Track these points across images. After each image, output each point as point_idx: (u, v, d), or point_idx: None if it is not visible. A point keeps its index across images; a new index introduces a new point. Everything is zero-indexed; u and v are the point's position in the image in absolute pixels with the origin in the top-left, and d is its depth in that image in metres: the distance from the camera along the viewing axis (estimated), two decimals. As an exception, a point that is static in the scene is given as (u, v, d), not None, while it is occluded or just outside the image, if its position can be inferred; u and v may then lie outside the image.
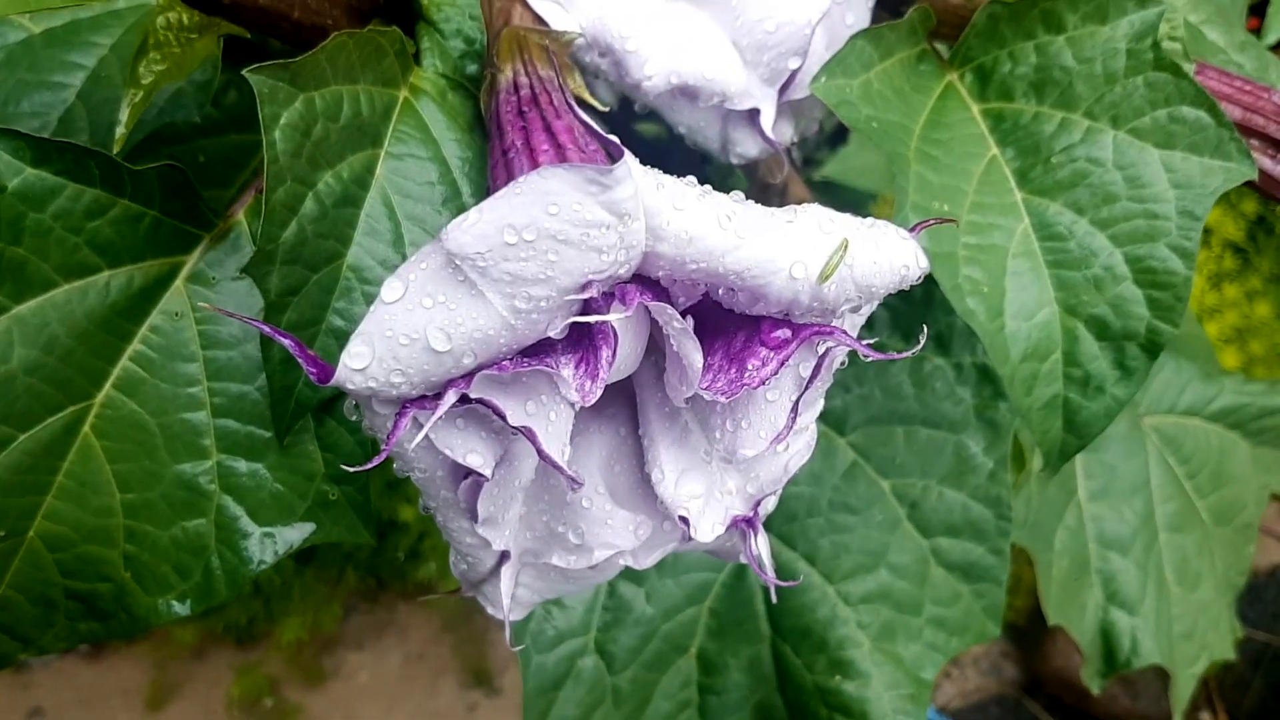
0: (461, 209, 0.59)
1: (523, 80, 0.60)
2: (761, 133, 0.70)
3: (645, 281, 0.45)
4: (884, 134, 0.64)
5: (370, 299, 0.56)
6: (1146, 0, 0.64)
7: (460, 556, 0.52)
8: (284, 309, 0.54)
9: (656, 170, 0.43)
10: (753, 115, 0.70)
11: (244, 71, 0.50)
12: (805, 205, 0.46)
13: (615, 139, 0.51)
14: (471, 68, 0.63)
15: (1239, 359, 2.25)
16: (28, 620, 0.58)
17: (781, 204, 0.91)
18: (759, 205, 0.45)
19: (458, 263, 0.41)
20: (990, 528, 0.79)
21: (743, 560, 0.53)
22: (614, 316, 0.40)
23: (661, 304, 0.43)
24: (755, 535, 0.51)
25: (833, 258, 0.45)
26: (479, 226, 0.41)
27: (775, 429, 0.48)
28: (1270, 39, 1.18)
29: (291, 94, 0.52)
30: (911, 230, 0.49)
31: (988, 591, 0.79)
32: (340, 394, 0.54)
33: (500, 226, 0.40)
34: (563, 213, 0.40)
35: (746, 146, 0.72)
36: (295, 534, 0.58)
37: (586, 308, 0.43)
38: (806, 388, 0.48)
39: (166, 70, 0.57)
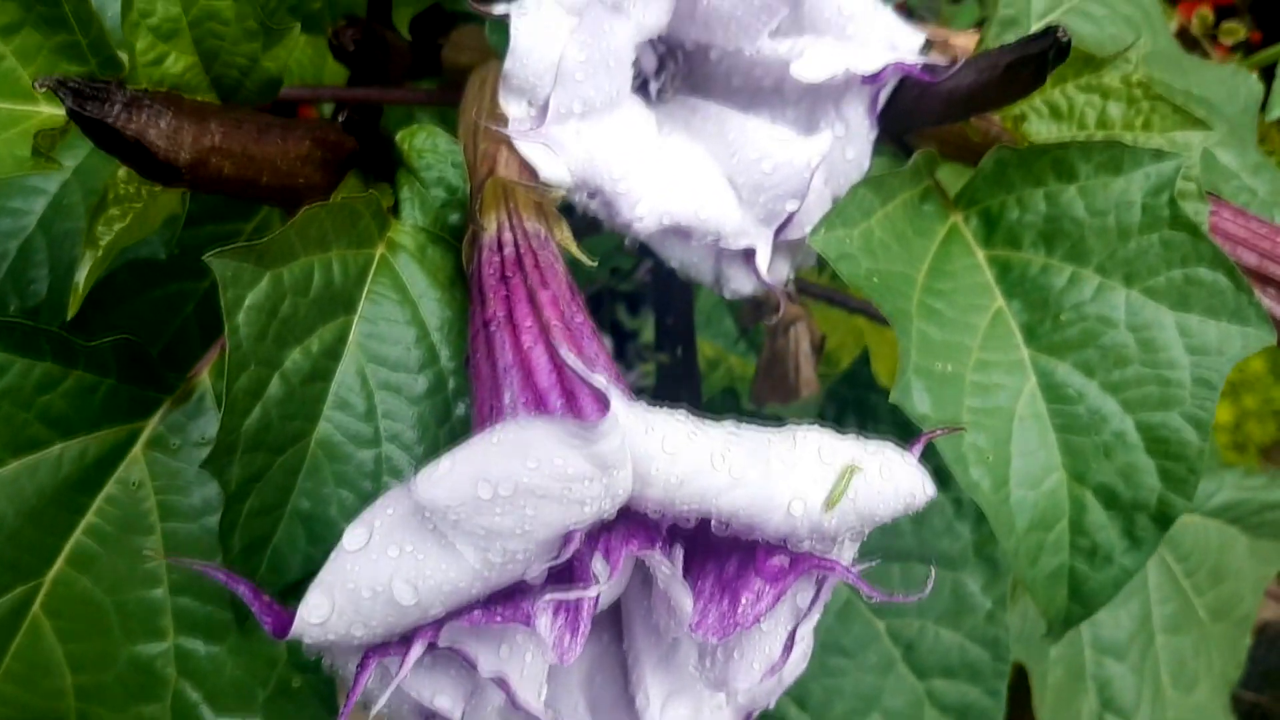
0: (440, 376, 0.56)
1: (507, 237, 0.57)
2: (757, 272, 0.67)
3: (631, 518, 0.41)
4: (885, 289, 0.61)
5: (340, 477, 0.53)
6: (1163, 153, 0.61)
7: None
8: (245, 496, 0.50)
9: (643, 405, 0.40)
10: (748, 254, 0.67)
11: (205, 258, 0.46)
12: (804, 430, 0.43)
13: (603, 345, 0.47)
14: (454, 217, 0.60)
15: (1232, 413, 2.23)
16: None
17: (777, 324, 0.88)
18: (755, 433, 0.42)
19: (427, 514, 0.38)
20: (987, 669, 0.76)
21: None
22: (593, 591, 0.37)
23: (650, 551, 0.40)
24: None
25: (834, 490, 0.42)
26: (450, 479, 0.37)
27: (769, 660, 0.45)
28: (1272, 116, 1.16)
29: (257, 274, 0.49)
30: (916, 443, 0.46)
31: (983, 733, 0.76)
32: (306, 578, 0.51)
33: (474, 479, 0.37)
34: (543, 467, 0.37)
35: (741, 284, 0.69)
36: (256, 722, 0.55)
37: (567, 544, 0.40)
38: (803, 618, 0.45)
39: (128, 228, 0.53)
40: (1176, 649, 1.15)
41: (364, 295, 0.55)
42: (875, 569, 0.77)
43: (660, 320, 0.94)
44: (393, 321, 0.55)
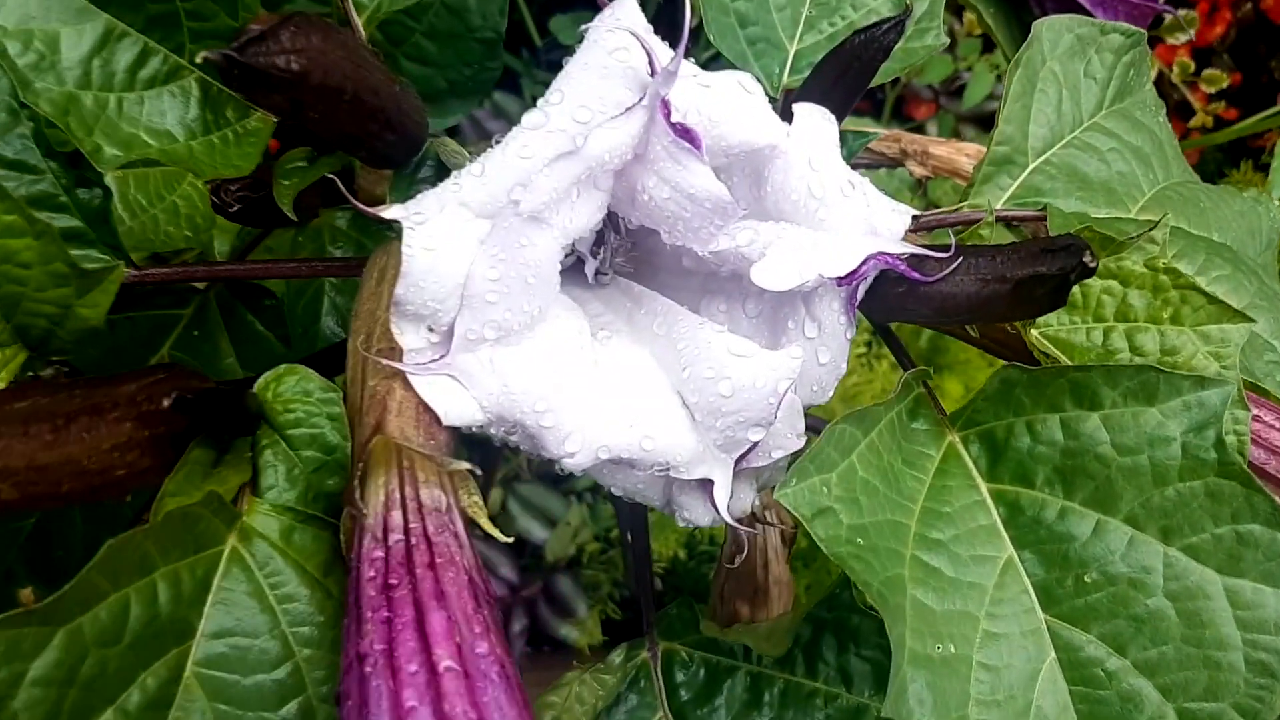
0: (309, 713, 0.44)
1: (395, 520, 0.45)
2: (714, 505, 0.55)
3: None
4: (872, 554, 0.50)
5: None
6: (1206, 380, 0.50)
7: None
8: None
9: None
10: (704, 484, 0.56)
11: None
12: None
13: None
14: (332, 481, 0.48)
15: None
16: None
17: (755, 593, 0.76)
18: None
19: None
20: None
21: None
22: None
23: None
24: None
25: None
26: None
27: None
28: (1277, 194, 1.05)
29: (42, 637, 0.36)
30: None
31: None
32: None
33: None
34: None
35: (696, 514, 0.57)
36: None
37: None
38: None
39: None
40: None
41: (207, 611, 0.43)
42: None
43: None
44: (246, 637, 0.43)
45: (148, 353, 0.85)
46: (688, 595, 0.68)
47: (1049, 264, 0.48)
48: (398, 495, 0.46)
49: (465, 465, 0.46)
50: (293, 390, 0.47)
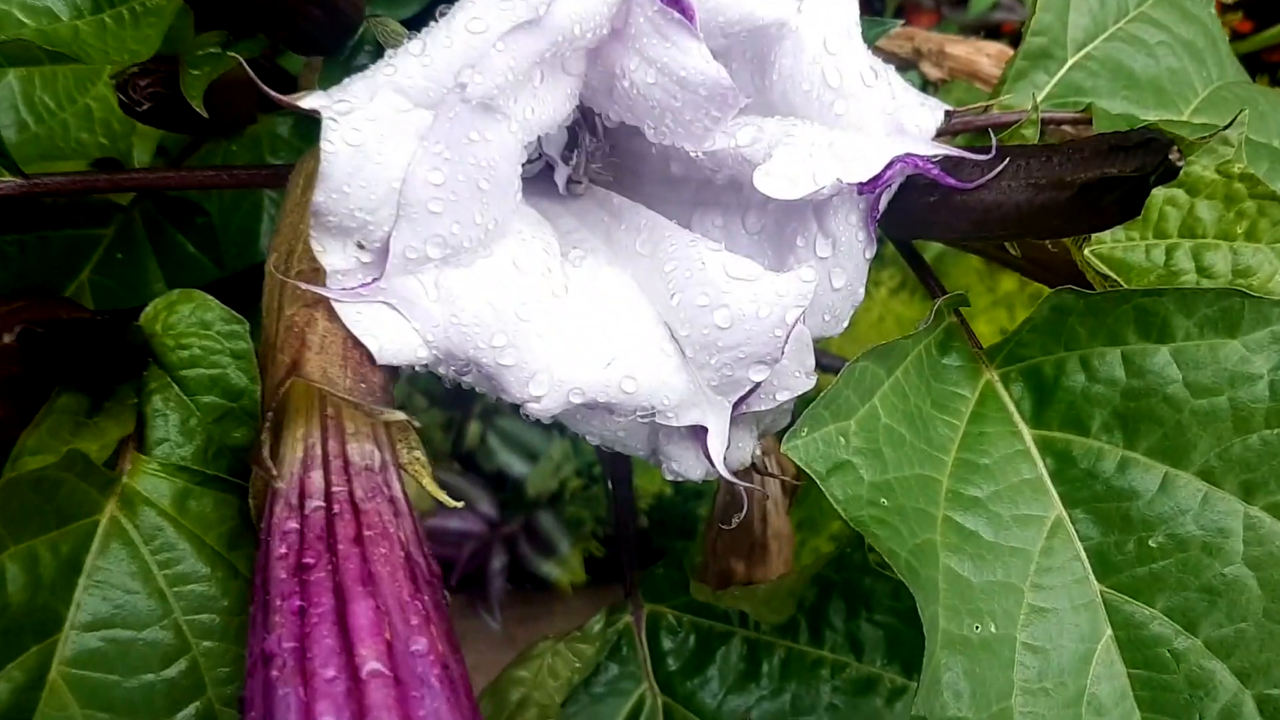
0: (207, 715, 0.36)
1: (314, 484, 0.36)
2: (708, 456, 0.47)
3: None
4: (899, 518, 0.41)
5: None
6: (1301, 305, 0.42)
7: None
8: None
9: None
10: (697, 431, 0.47)
11: None
12: None
13: None
14: (238, 434, 0.39)
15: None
16: None
17: (751, 548, 0.68)
18: None
19: None
20: None
21: None
22: None
23: None
24: None
25: None
26: None
27: None
28: None
29: None
30: None
31: None
32: None
33: None
34: None
35: (686, 467, 0.49)
36: None
37: None
38: None
39: None
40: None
41: (76, 599, 0.34)
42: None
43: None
44: (130, 628, 0.35)
45: (64, 279, 0.75)
46: (675, 550, 0.60)
47: (1122, 163, 0.39)
48: (318, 451, 0.37)
49: (401, 415, 0.37)
50: (187, 321, 0.38)
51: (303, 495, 0.36)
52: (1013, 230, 0.44)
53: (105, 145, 0.69)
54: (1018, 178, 0.43)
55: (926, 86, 1.06)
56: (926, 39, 0.85)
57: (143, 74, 0.58)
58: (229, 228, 0.70)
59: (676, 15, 0.40)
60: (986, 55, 0.84)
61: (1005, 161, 0.43)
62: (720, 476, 0.47)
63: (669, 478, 0.50)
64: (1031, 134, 0.51)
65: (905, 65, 0.88)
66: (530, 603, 2.00)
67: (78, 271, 0.75)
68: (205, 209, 0.75)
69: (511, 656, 0.59)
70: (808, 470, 0.41)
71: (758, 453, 0.50)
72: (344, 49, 0.50)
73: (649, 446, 0.50)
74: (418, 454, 0.39)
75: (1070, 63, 0.64)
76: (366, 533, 0.36)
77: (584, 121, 0.51)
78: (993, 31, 2.01)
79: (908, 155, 0.45)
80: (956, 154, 0.45)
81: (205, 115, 0.49)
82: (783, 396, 0.47)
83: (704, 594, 0.58)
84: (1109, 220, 0.40)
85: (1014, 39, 1.97)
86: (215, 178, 0.54)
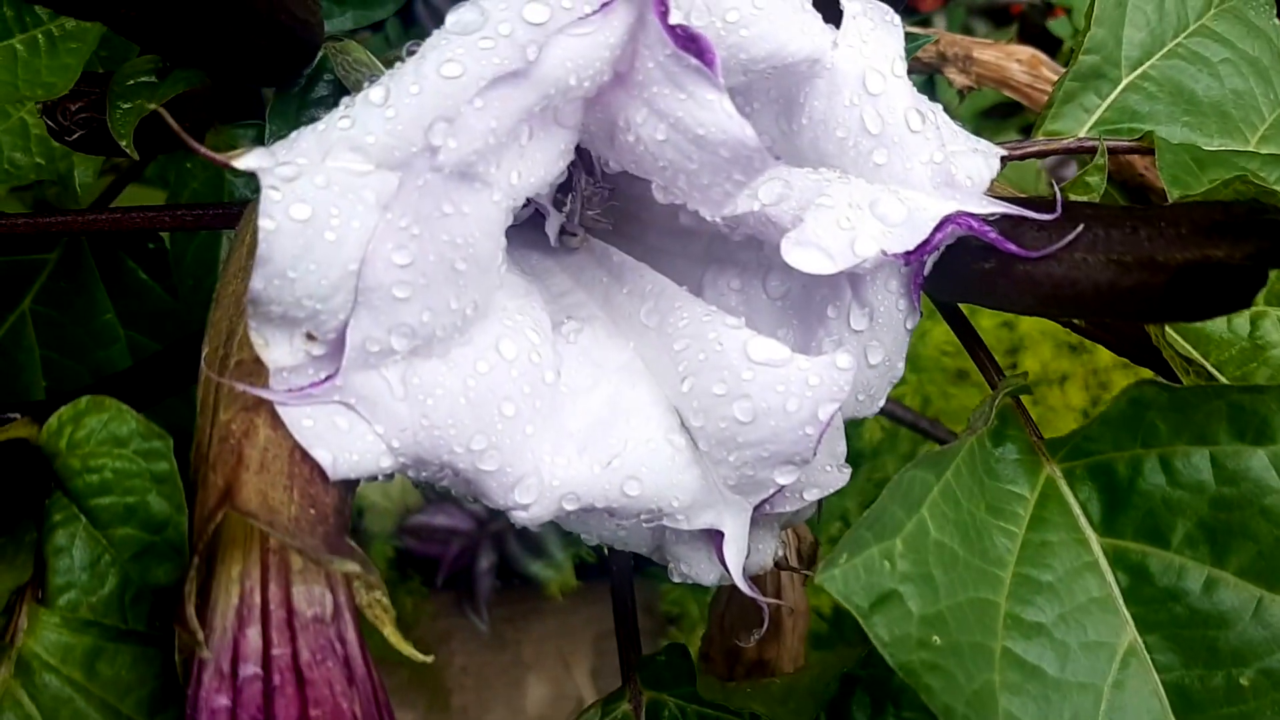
0: None
1: (249, 647, 0.30)
2: (723, 562, 0.40)
3: None
4: (954, 659, 0.35)
5: None
6: None
7: None
8: None
9: None
10: (710, 533, 0.40)
11: None
12: None
13: None
14: (161, 572, 0.32)
15: None
16: None
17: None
18: None
19: None
20: None
21: None
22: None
23: None
24: None
25: None
26: None
27: None
28: None
29: None
30: None
31: None
32: None
33: None
34: None
35: (698, 570, 0.42)
36: None
37: None
38: None
39: None
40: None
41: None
42: None
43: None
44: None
45: (2, 310, 0.68)
46: (679, 643, 0.53)
47: (1230, 245, 0.32)
48: (256, 599, 0.30)
49: (355, 567, 0.30)
50: (98, 437, 0.31)
51: (236, 659, 0.29)
52: (1089, 312, 0.37)
53: (43, 166, 0.61)
54: (1095, 251, 0.36)
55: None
56: (952, 42, 0.78)
57: (74, 96, 0.51)
58: (184, 257, 0.63)
59: (693, 61, 0.33)
60: (1017, 61, 0.76)
61: (1079, 228, 0.37)
62: (739, 586, 0.40)
63: (676, 580, 0.44)
64: (1098, 182, 0.44)
65: (926, 71, 0.80)
66: (520, 600, 1.94)
67: (17, 302, 0.68)
68: (158, 234, 0.68)
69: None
70: (848, 606, 0.34)
71: (780, 553, 0.44)
72: (298, 80, 0.42)
73: (653, 544, 0.43)
74: (378, 595, 0.32)
75: (1124, 83, 0.57)
76: (313, 712, 0.29)
77: (581, 162, 0.44)
78: (1001, 13, 1.93)
79: (959, 214, 0.38)
80: (1018, 213, 0.38)
81: (135, 156, 0.42)
82: (811, 495, 0.40)
83: (712, 690, 0.51)
84: (1211, 311, 0.33)
85: (1024, 24, 1.89)
86: (157, 219, 0.47)
